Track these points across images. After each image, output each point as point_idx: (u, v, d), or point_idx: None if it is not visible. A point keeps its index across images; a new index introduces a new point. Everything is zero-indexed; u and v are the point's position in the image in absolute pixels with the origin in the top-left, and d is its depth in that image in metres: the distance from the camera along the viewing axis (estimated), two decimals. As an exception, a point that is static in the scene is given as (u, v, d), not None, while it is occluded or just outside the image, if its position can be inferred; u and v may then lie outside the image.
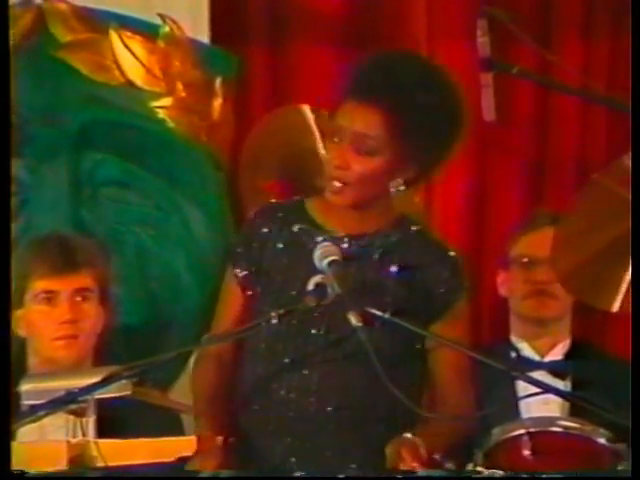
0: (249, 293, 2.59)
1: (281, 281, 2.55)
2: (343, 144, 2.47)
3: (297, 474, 2.39)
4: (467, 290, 2.59)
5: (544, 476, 2.36)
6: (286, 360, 2.51)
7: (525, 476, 2.40)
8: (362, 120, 2.45)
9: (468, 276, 2.63)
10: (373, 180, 2.48)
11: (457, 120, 2.52)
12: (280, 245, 2.57)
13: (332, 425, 2.51)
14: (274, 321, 2.46)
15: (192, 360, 2.81)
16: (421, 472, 2.49)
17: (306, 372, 2.50)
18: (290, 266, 2.55)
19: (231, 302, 2.62)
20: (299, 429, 2.51)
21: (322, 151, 2.50)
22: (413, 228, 2.58)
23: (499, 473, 2.43)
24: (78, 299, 2.93)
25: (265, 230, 2.59)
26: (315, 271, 2.46)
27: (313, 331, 2.51)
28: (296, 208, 2.59)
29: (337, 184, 2.49)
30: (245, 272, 2.59)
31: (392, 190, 2.52)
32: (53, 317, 2.92)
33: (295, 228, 2.56)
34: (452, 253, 2.59)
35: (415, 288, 2.53)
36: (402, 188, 2.53)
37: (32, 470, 2.28)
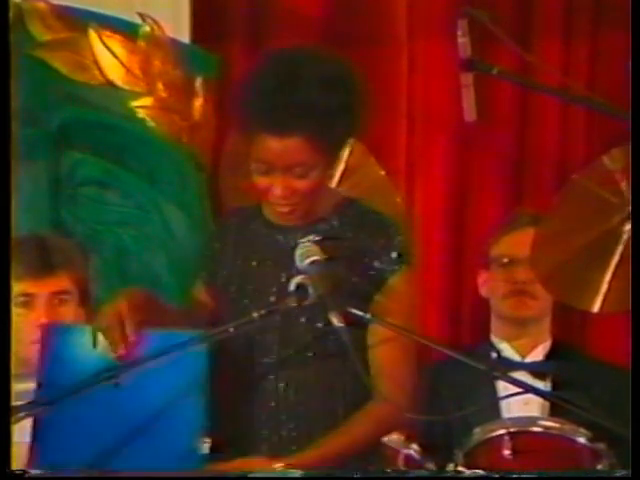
0: (219, 302, 2.59)
1: (252, 289, 2.56)
2: (277, 176, 2.47)
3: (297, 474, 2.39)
4: (407, 261, 2.55)
5: (528, 476, 2.36)
6: (260, 365, 2.51)
7: (509, 476, 2.40)
8: (285, 153, 2.44)
9: (409, 247, 2.58)
10: (317, 190, 2.51)
11: (365, 98, 2.50)
12: (239, 249, 2.58)
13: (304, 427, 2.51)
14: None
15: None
16: (402, 472, 2.49)
17: (273, 376, 2.51)
18: (260, 271, 2.56)
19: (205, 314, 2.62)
20: (278, 430, 2.51)
21: (255, 181, 2.50)
22: (351, 209, 2.58)
23: (478, 473, 2.43)
24: (55, 302, 2.91)
25: (225, 237, 2.60)
26: (284, 269, 2.48)
27: (270, 336, 2.52)
28: (253, 210, 2.59)
29: (285, 209, 2.51)
30: (211, 279, 2.60)
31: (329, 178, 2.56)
32: (30, 320, 2.91)
33: (249, 228, 2.57)
34: (389, 221, 2.57)
35: (358, 265, 2.52)
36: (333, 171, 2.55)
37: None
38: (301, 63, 2.47)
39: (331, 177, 2.54)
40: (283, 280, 2.50)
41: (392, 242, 2.54)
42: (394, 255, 2.52)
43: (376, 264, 2.53)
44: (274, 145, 2.44)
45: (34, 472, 2.26)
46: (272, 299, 2.51)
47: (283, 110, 2.42)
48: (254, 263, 2.56)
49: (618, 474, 2.48)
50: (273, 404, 2.51)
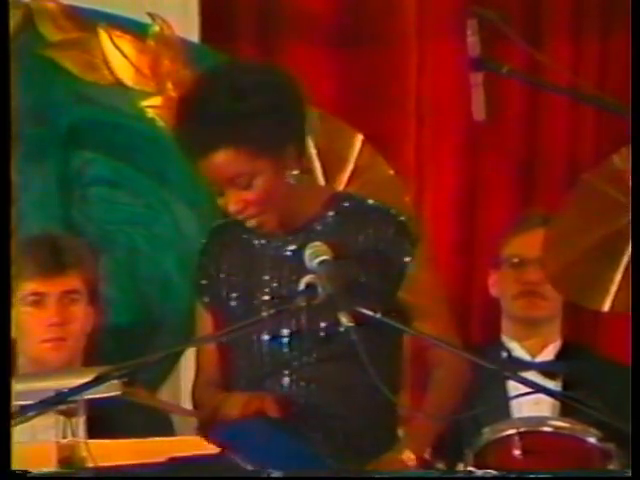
0: (219, 315, 2.60)
1: (242, 296, 2.56)
2: (228, 191, 2.50)
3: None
4: (419, 247, 2.56)
5: (537, 476, 2.36)
6: (266, 370, 2.52)
7: (520, 476, 2.39)
8: (221, 169, 2.47)
9: (418, 234, 2.58)
10: (272, 197, 2.50)
11: (295, 97, 2.52)
12: (234, 261, 2.59)
13: (314, 424, 2.51)
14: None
15: (183, 363, 2.79)
16: (412, 472, 2.49)
17: (287, 377, 2.51)
18: (248, 280, 2.56)
19: (205, 329, 2.63)
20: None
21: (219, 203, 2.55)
22: (346, 204, 2.57)
23: (490, 473, 2.42)
24: (66, 301, 2.92)
25: (216, 251, 2.62)
26: (273, 276, 2.49)
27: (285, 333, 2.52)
28: (240, 223, 2.59)
29: (253, 222, 2.52)
30: (210, 298, 2.61)
31: (292, 181, 2.53)
32: (41, 319, 2.91)
33: (243, 242, 2.58)
34: (394, 211, 2.57)
35: (370, 259, 2.53)
36: (297, 172, 2.53)
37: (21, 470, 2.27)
38: (206, 82, 2.51)
39: (287, 177, 2.51)
40: (284, 292, 2.50)
41: (403, 230, 2.54)
42: (404, 246, 2.53)
43: (392, 256, 2.53)
44: (209, 165, 2.48)
45: (34, 472, 2.26)
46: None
47: (201, 130, 2.46)
48: (257, 277, 2.56)
49: (618, 474, 2.48)
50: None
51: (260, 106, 2.45)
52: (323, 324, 2.49)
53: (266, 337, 2.54)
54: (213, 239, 2.64)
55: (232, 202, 2.50)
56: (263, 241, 2.57)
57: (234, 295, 2.58)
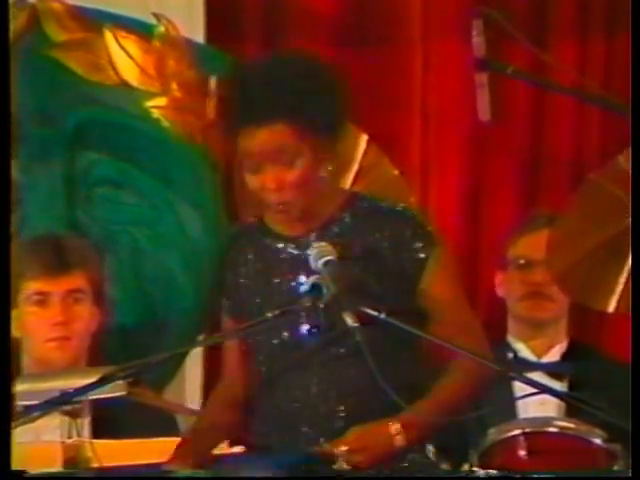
0: (239, 319, 2.60)
1: (262, 299, 2.56)
2: (267, 168, 2.51)
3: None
4: (437, 242, 2.57)
5: (541, 476, 2.36)
6: (285, 371, 2.52)
7: (525, 476, 2.39)
8: (268, 140, 2.49)
9: (434, 229, 2.59)
10: (308, 182, 2.52)
11: (343, 96, 2.56)
12: (252, 267, 2.59)
13: (331, 424, 2.51)
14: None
15: (188, 364, 2.78)
16: (415, 473, 2.49)
17: (304, 378, 2.52)
18: (267, 283, 2.57)
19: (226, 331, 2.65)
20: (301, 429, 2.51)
21: (249, 182, 2.54)
22: (361, 205, 2.59)
23: (495, 473, 2.42)
24: (70, 301, 2.92)
25: (235, 256, 2.62)
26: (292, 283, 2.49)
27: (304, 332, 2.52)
28: (258, 226, 2.61)
29: (280, 206, 2.53)
30: (231, 302, 2.62)
31: (324, 175, 2.55)
32: (45, 319, 2.91)
33: (261, 246, 2.59)
34: (410, 213, 2.59)
35: (386, 260, 2.53)
36: (330, 168, 2.57)
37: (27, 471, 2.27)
38: (275, 62, 2.56)
39: (323, 169, 2.54)
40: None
41: (420, 232, 2.55)
42: (420, 244, 2.53)
43: (407, 258, 2.54)
44: (257, 134, 2.49)
45: (33, 472, 2.26)
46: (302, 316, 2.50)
47: (260, 101, 2.49)
48: (276, 280, 2.56)
49: (619, 474, 2.47)
50: (298, 404, 2.52)
51: (324, 88, 2.50)
52: (336, 324, 2.48)
53: (280, 338, 2.54)
54: (231, 244, 2.64)
55: (269, 179, 2.49)
56: (281, 244, 2.57)
57: (253, 299, 2.58)
